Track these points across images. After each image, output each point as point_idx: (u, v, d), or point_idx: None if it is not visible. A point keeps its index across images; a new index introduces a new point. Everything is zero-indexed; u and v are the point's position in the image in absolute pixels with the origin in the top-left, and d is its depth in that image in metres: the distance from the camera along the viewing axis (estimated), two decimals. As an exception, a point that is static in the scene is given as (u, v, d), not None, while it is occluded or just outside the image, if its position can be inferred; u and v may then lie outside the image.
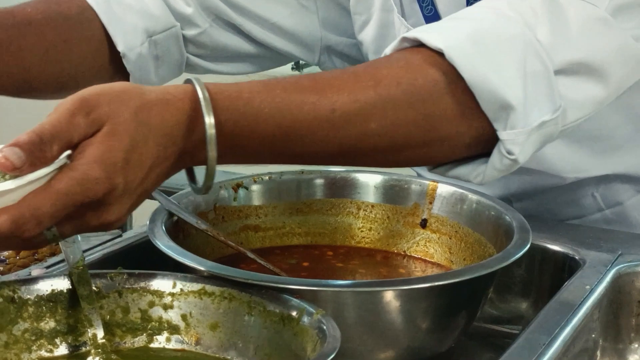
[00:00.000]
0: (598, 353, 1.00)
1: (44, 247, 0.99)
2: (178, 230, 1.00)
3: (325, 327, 0.77)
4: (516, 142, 0.92)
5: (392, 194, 1.14)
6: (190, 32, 1.31)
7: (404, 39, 0.97)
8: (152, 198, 1.21)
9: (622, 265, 1.03)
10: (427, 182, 1.13)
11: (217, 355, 0.86)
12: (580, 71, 0.96)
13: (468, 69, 0.91)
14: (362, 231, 1.14)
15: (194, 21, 1.30)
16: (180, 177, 1.20)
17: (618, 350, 1.03)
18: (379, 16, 1.32)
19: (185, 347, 0.87)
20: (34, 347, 0.84)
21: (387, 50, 1.00)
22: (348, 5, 1.35)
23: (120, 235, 1.07)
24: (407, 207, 1.12)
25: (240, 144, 0.85)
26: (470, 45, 0.94)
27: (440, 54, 0.93)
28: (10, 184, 0.72)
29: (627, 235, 1.17)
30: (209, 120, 0.80)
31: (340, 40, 1.40)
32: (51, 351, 0.85)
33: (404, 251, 1.12)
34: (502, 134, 0.92)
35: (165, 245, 0.93)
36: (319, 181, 1.15)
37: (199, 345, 0.87)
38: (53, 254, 1.02)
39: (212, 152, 0.81)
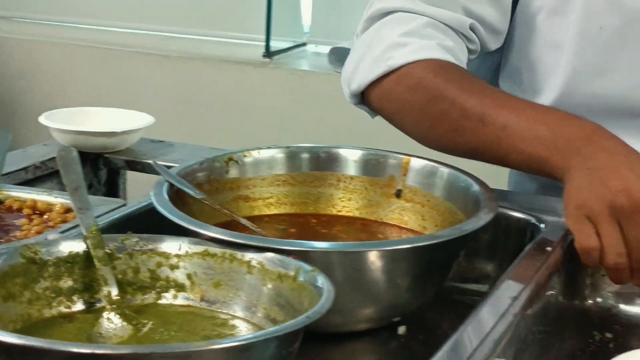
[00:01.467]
0: (558, 306, 1.01)
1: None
2: (177, 200, 1.00)
3: (320, 283, 0.81)
4: None
5: (370, 167, 1.16)
6: None
7: None
8: (151, 172, 1.25)
9: None
10: (401, 156, 1.15)
11: (220, 310, 0.89)
12: None
13: None
14: (342, 201, 1.16)
15: None
16: (177, 155, 1.24)
17: (575, 304, 1.05)
18: None
19: (191, 303, 0.89)
20: (54, 304, 0.86)
21: None
22: None
23: (124, 204, 1.08)
24: (383, 178, 1.15)
25: None
26: None
27: None
28: None
29: None
30: None
31: None
32: (69, 307, 0.87)
33: (381, 219, 1.15)
34: None
35: (170, 211, 0.95)
36: (304, 155, 1.18)
37: (203, 302, 0.89)
38: (64, 222, 1.04)
39: None
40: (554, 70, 1.25)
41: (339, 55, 2.37)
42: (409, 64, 1.17)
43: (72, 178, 0.97)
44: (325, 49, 2.47)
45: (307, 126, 2.35)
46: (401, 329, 0.99)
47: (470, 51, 1.27)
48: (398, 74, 1.19)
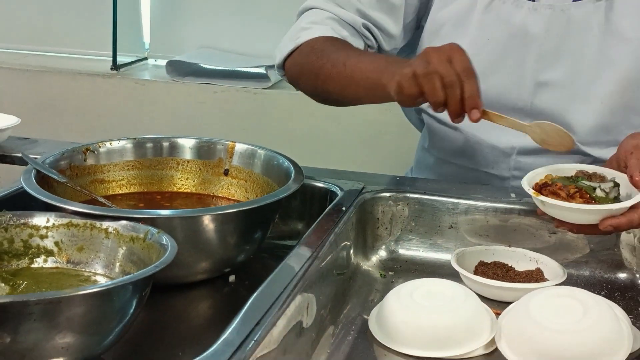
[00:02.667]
0: (352, 253, 1.06)
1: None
2: (43, 184, 0.99)
3: (164, 242, 0.83)
4: None
5: (202, 152, 1.18)
6: None
7: None
8: (20, 163, 1.24)
9: (366, 196, 1.11)
10: (228, 142, 1.17)
11: (84, 270, 0.89)
12: None
13: None
14: (181, 180, 1.17)
15: None
16: (41, 149, 1.22)
17: (365, 251, 1.10)
18: None
19: (59, 265, 0.90)
20: None
21: None
22: None
23: None
24: (213, 161, 1.17)
25: None
26: None
27: None
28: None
29: (370, 175, 1.22)
30: None
31: None
32: None
33: (213, 193, 1.17)
34: None
35: (38, 192, 0.95)
36: (149, 145, 1.17)
37: (69, 264, 0.90)
38: None
39: None
40: None
41: (175, 67, 2.39)
42: (309, 40, 1.28)
43: None
44: (163, 62, 2.48)
45: (150, 126, 2.35)
46: (231, 278, 1.02)
47: (368, 46, 1.34)
48: (301, 48, 1.29)
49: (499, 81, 1.28)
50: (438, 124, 1.34)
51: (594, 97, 1.25)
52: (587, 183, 0.98)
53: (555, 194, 0.97)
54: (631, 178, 0.97)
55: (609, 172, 1.01)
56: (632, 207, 0.95)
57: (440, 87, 1.00)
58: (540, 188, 0.99)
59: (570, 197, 0.96)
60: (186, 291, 0.99)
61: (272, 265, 1.04)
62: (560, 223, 0.99)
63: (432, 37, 1.32)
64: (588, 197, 0.96)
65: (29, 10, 2.63)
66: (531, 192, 0.99)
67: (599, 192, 0.96)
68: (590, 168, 1.02)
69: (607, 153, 1.17)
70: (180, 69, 2.40)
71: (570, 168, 1.03)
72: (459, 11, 1.29)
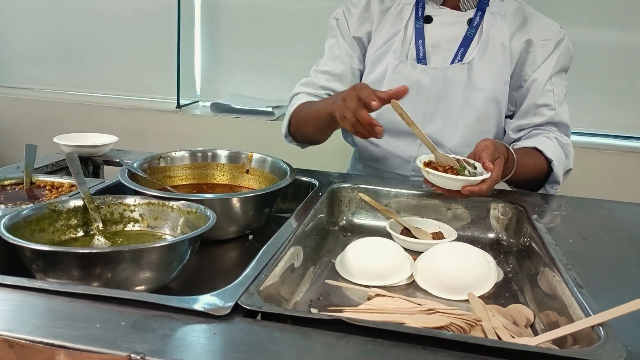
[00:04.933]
0: (325, 221, 1.05)
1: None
2: (132, 178, 0.99)
3: (208, 214, 0.83)
4: (552, 190, 1.22)
5: (232, 158, 1.16)
6: None
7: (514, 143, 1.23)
8: (117, 165, 1.22)
9: (333, 186, 1.10)
10: (248, 153, 1.15)
11: (157, 232, 0.88)
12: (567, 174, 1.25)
13: (554, 166, 1.16)
14: (218, 176, 1.16)
15: None
16: (131, 157, 1.20)
17: (333, 220, 1.09)
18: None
19: (142, 229, 0.89)
20: (67, 233, 0.85)
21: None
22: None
23: (103, 181, 1.05)
24: (239, 164, 1.16)
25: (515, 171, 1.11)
26: (554, 155, 1.17)
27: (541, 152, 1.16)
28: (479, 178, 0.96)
29: (339, 174, 1.19)
30: (515, 159, 1.11)
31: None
32: (75, 235, 0.86)
33: (239, 184, 1.15)
34: (548, 188, 1.22)
35: (129, 183, 0.95)
36: (199, 154, 1.15)
37: (148, 228, 0.89)
38: (70, 192, 0.99)
39: (511, 174, 1.10)
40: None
41: (216, 107, 2.39)
42: (295, 108, 1.29)
43: (74, 167, 0.95)
44: (209, 103, 2.46)
45: (199, 143, 2.32)
46: (250, 237, 1.01)
47: None
48: (292, 116, 1.29)
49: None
50: (364, 142, 1.32)
51: (460, 126, 1.25)
52: (459, 165, 1.01)
53: (435, 169, 0.99)
54: (483, 164, 0.98)
55: (472, 162, 1.02)
56: (482, 182, 0.97)
57: (348, 112, 0.97)
58: (427, 165, 1.01)
59: (444, 171, 0.98)
60: (221, 245, 0.98)
61: (276, 229, 1.05)
62: (438, 188, 0.99)
63: None
64: (456, 172, 0.98)
65: (123, 68, 2.62)
66: (421, 165, 1.00)
67: (465, 172, 0.99)
68: (462, 158, 1.03)
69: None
70: (219, 108, 2.38)
71: (450, 157, 1.03)
72: (378, 74, 1.28)
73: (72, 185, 1.03)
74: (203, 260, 0.91)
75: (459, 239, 1.01)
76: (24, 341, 0.53)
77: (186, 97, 2.50)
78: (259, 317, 0.62)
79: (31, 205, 0.87)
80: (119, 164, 1.16)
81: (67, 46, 2.62)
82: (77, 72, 2.63)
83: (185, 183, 1.14)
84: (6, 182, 1.02)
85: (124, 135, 1.51)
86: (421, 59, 1.23)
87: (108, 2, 2.53)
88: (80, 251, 0.71)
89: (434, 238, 1.03)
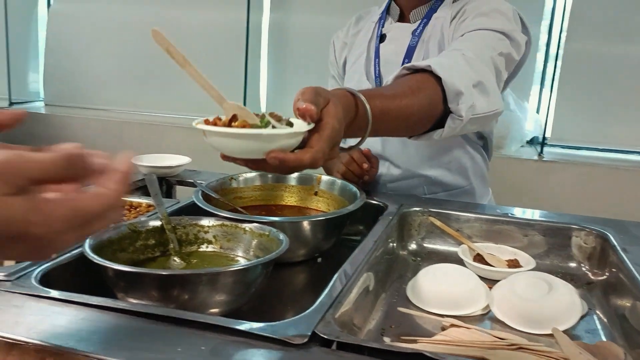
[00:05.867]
0: (395, 245, 1.03)
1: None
2: (205, 199, 1.01)
3: (281, 237, 0.83)
4: (462, 110, 0.89)
5: (301, 180, 1.16)
6: None
7: (404, 68, 0.92)
8: (190, 186, 1.26)
9: (403, 210, 1.08)
10: (316, 175, 1.15)
11: (229, 253, 0.89)
12: (478, 87, 0.93)
13: (445, 76, 0.87)
14: (287, 198, 1.16)
15: None
16: (202, 177, 1.22)
17: (402, 244, 1.07)
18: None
19: (215, 250, 0.90)
20: (145, 253, 0.87)
21: (395, 74, 0.92)
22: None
23: (178, 202, 1.07)
24: (308, 186, 1.16)
25: (379, 120, 0.77)
26: (447, 68, 0.89)
27: (430, 72, 0.88)
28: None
29: (407, 196, 1.19)
30: (368, 107, 0.74)
31: None
32: (153, 254, 0.87)
33: (307, 206, 1.15)
34: (455, 108, 0.89)
35: (203, 204, 0.97)
36: (269, 175, 1.16)
37: (221, 249, 0.90)
38: (148, 212, 1.03)
39: (369, 125, 0.75)
40: None
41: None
42: None
43: (153, 188, 0.97)
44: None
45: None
46: (319, 260, 1.01)
47: None
48: None
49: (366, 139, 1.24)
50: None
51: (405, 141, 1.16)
52: (260, 121, 0.66)
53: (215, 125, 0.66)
54: (296, 111, 0.66)
55: (288, 118, 0.69)
56: (305, 149, 0.65)
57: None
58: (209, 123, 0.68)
59: (229, 126, 0.65)
60: (290, 267, 0.98)
61: (345, 252, 1.03)
62: (228, 158, 0.67)
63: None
64: (249, 127, 0.64)
65: (191, 89, 2.69)
66: (195, 124, 0.68)
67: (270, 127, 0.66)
68: (273, 113, 0.69)
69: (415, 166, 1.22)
70: (283, 128, 2.42)
71: (249, 112, 0.69)
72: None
73: (150, 205, 1.06)
74: (272, 283, 0.90)
75: (537, 267, 0.96)
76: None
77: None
78: (334, 347, 0.61)
79: (112, 225, 0.89)
80: (191, 184, 1.19)
81: (139, 69, 2.75)
82: (149, 93, 2.75)
83: (254, 204, 1.16)
84: (89, 202, 1.06)
85: (192, 155, 1.55)
86: (376, 77, 1.23)
87: (178, 25, 2.64)
88: (160, 273, 0.72)
89: (509, 266, 0.99)
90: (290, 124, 0.65)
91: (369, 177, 1.14)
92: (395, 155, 1.25)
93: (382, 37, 1.25)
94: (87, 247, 0.76)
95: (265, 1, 2.52)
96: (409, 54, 1.21)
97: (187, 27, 2.62)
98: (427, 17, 1.21)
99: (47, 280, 0.72)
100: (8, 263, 0.87)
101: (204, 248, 0.91)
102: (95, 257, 0.73)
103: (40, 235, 0.37)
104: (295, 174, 1.17)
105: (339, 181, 1.14)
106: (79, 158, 0.40)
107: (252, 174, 1.16)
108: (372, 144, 1.26)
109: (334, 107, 0.67)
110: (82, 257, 0.77)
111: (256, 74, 2.56)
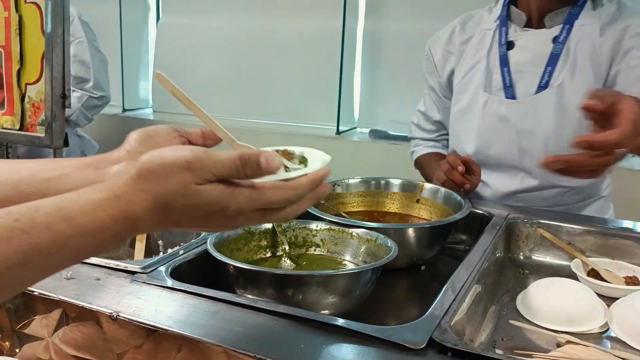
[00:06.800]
0: (502, 257, 1.01)
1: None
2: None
3: (389, 244, 0.84)
4: None
5: (403, 187, 1.17)
6: None
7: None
8: None
9: (510, 220, 1.06)
10: (419, 182, 1.16)
11: (337, 257, 0.91)
12: None
13: None
14: (390, 204, 1.17)
15: None
16: None
17: (511, 257, 1.05)
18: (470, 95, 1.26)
19: (323, 253, 0.93)
20: (258, 253, 0.91)
21: None
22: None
23: None
24: (410, 193, 1.16)
25: None
26: None
27: None
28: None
29: (511, 207, 1.14)
30: None
31: None
32: (264, 255, 0.91)
33: (409, 213, 1.15)
34: None
35: (311, 208, 0.97)
36: (372, 182, 1.17)
37: (328, 252, 0.92)
38: None
39: None
40: (469, 140, 1.28)
41: (374, 133, 2.43)
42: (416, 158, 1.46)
43: None
44: (365, 130, 2.52)
45: (357, 169, 2.38)
46: (423, 267, 1.01)
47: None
48: (415, 161, 1.45)
49: (497, 149, 1.24)
50: None
51: (550, 152, 1.13)
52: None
53: None
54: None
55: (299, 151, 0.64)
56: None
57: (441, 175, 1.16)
58: None
59: None
60: (392, 273, 0.97)
61: (448, 261, 1.05)
62: None
63: (454, 122, 1.32)
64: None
65: (286, 95, 2.78)
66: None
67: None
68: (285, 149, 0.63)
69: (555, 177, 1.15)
70: (377, 135, 2.43)
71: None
72: (464, 105, 1.27)
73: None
74: (375, 288, 0.91)
75: (660, 286, 0.90)
76: (239, 353, 0.58)
77: (345, 123, 2.58)
78: (449, 354, 0.61)
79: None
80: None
81: (239, 77, 2.87)
82: (248, 100, 2.86)
83: (357, 210, 1.17)
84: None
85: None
86: (508, 87, 1.20)
87: (276, 34, 2.74)
88: (279, 272, 0.76)
89: (627, 283, 0.93)
90: (304, 159, 0.63)
91: (471, 187, 1.12)
92: (534, 166, 1.20)
93: (509, 45, 1.21)
94: (210, 245, 0.81)
95: (360, 7, 2.55)
96: (552, 63, 1.16)
97: (284, 35, 2.71)
98: (569, 23, 1.16)
99: (176, 273, 0.78)
100: (137, 257, 0.95)
101: (312, 251, 0.94)
102: (219, 254, 0.78)
103: (230, 214, 0.48)
104: (398, 181, 1.18)
105: (442, 189, 1.13)
106: (251, 158, 0.49)
107: (356, 180, 1.18)
108: (508, 155, 1.23)
109: (626, 98, 0.68)
110: (205, 253, 0.83)
111: (350, 81, 2.59)
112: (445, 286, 0.76)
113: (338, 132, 2.52)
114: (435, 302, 0.71)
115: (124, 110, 3.04)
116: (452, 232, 1.06)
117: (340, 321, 0.65)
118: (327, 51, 2.55)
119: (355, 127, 2.66)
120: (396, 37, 2.51)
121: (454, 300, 0.71)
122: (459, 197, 1.08)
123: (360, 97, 2.65)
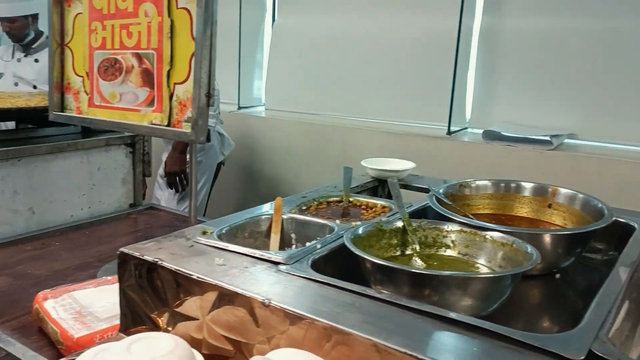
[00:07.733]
0: None
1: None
2: (439, 203, 1.02)
3: (529, 250, 0.81)
4: None
5: (534, 191, 1.12)
6: None
7: None
8: (415, 189, 1.27)
9: None
10: (552, 187, 1.10)
11: (469, 259, 0.90)
12: None
13: None
14: (519, 208, 1.13)
15: None
16: (424, 182, 1.22)
17: None
18: None
19: (454, 254, 0.92)
20: (388, 251, 0.92)
21: None
22: None
23: (411, 205, 1.08)
24: (541, 197, 1.11)
25: None
26: None
27: None
28: None
29: None
30: None
31: None
32: (394, 254, 0.92)
33: (539, 218, 1.11)
34: None
35: (438, 209, 0.99)
36: (502, 184, 1.14)
37: (459, 254, 0.91)
38: (383, 213, 1.07)
39: None
40: None
41: (488, 134, 2.35)
42: None
43: (395, 191, 1.02)
44: (479, 131, 2.45)
45: (467, 170, 2.33)
46: (557, 276, 0.97)
47: None
48: None
49: None
50: None
51: None
52: None
53: None
54: None
55: None
56: None
57: None
58: None
59: None
60: (526, 280, 0.92)
61: (583, 270, 1.00)
62: None
63: None
64: None
65: (397, 94, 2.77)
66: None
67: None
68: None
69: None
70: (491, 136, 2.36)
71: None
72: None
73: (384, 207, 1.12)
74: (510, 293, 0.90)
75: None
76: (390, 349, 0.60)
77: (456, 123, 2.53)
78: (606, 368, 0.58)
79: (360, 223, 0.97)
80: (415, 188, 1.23)
81: (350, 75, 2.90)
82: (358, 99, 2.88)
83: (483, 212, 1.14)
84: (331, 199, 1.18)
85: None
86: None
87: (391, 33, 2.73)
88: (418, 271, 0.77)
89: None
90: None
91: None
92: None
93: None
94: (348, 241, 0.83)
95: (477, 5, 2.47)
96: None
97: (398, 34, 2.70)
98: None
99: (316, 265, 0.81)
100: (272, 248, 1.00)
101: (442, 251, 0.93)
102: (360, 251, 0.80)
103: None
104: (529, 184, 1.14)
105: (580, 195, 1.07)
106: None
107: (485, 182, 1.16)
108: None
109: None
110: (339, 249, 0.86)
111: (463, 80, 2.53)
112: (596, 298, 0.72)
113: (449, 132, 2.46)
114: (587, 313, 0.67)
115: (239, 107, 3.18)
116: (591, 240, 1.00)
117: (489, 325, 0.64)
118: (441, 49, 2.51)
119: (467, 128, 2.59)
120: (515, 36, 2.41)
121: (610, 312, 0.67)
122: (600, 204, 1.02)
123: (473, 97, 2.57)
